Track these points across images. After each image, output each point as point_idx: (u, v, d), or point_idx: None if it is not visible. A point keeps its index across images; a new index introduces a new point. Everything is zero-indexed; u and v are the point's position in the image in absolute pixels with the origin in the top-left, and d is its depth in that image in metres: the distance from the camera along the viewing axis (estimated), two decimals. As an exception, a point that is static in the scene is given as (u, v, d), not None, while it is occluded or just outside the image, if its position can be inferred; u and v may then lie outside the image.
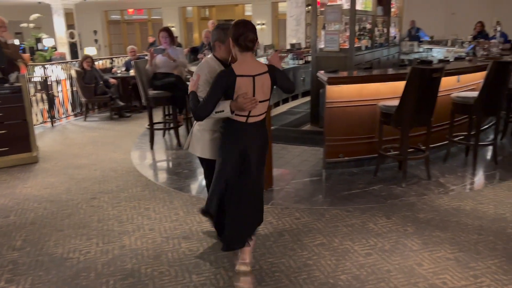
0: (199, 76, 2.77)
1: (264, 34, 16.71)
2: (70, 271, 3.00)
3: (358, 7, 6.09)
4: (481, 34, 9.59)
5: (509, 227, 3.44)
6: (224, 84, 2.61)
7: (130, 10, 20.94)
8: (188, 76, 6.68)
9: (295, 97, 9.17)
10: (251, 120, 2.71)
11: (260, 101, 2.68)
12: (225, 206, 2.84)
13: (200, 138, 2.98)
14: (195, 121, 3.02)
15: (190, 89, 2.74)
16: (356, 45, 6.10)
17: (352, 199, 4.06)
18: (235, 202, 2.80)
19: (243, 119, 2.69)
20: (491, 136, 5.48)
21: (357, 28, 6.33)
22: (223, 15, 19.61)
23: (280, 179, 4.55)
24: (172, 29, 7.33)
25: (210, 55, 2.96)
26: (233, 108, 2.61)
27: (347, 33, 5.91)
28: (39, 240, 3.45)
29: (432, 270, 2.88)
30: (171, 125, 6.28)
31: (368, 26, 6.81)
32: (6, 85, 5.31)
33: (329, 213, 3.73)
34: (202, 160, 3.10)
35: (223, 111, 2.63)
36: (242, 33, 2.60)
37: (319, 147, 5.24)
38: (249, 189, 2.82)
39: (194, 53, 9.02)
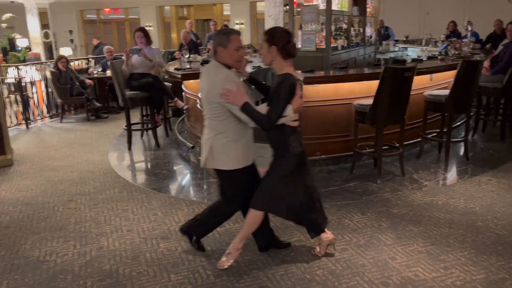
0: (240, 85, 2.68)
1: (243, 34, 16.61)
2: (46, 274, 2.98)
3: (334, 7, 6.17)
4: (454, 33, 9.83)
5: (478, 221, 3.57)
6: (295, 89, 2.67)
7: (107, 9, 20.64)
8: (166, 76, 6.66)
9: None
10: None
11: None
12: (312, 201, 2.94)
13: (223, 151, 2.78)
14: (211, 135, 2.81)
15: (241, 101, 2.60)
16: (332, 45, 6.18)
17: (329, 196, 4.13)
18: (313, 192, 2.95)
19: (296, 124, 2.77)
20: (463, 133, 5.64)
21: (333, 28, 6.41)
22: (201, 15, 19.55)
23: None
24: (149, 29, 7.23)
25: (213, 61, 2.80)
26: (294, 111, 2.68)
27: (324, 33, 5.99)
28: (14, 244, 3.41)
29: (405, 263, 2.97)
30: (149, 125, 6.25)
31: (344, 26, 6.89)
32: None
33: (306, 210, 3.78)
34: (225, 175, 2.89)
35: (286, 116, 2.67)
36: (289, 41, 2.69)
37: (296, 146, 5.29)
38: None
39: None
